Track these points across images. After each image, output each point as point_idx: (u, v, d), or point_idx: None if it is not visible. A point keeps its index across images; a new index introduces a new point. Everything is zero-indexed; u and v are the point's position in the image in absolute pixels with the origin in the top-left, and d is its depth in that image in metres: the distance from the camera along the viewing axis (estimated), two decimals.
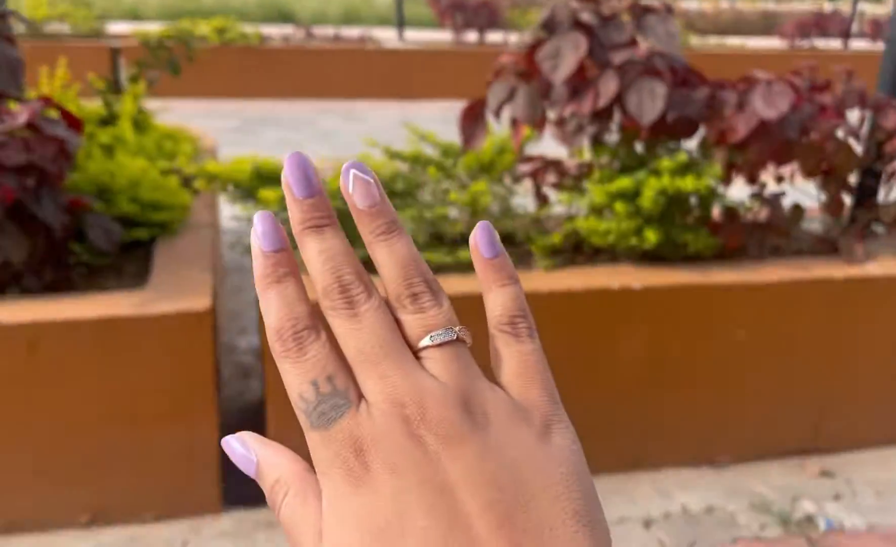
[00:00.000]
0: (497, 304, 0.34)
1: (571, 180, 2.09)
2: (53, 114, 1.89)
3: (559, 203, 2.10)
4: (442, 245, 1.93)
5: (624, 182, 1.82)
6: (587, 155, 2.02)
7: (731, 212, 1.91)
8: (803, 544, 1.73)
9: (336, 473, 0.29)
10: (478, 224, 0.35)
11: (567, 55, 1.81)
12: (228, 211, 3.47)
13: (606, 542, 0.30)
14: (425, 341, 0.32)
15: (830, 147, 1.92)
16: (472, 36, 8.79)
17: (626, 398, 1.92)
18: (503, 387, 0.33)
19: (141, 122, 2.60)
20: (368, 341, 0.31)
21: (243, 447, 0.33)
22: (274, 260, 0.32)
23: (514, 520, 0.28)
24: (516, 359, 0.33)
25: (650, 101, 1.77)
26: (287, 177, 0.33)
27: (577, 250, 2.03)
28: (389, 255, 0.33)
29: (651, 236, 1.81)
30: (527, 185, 2.19)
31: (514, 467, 0.29)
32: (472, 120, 1.93)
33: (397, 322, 0.33)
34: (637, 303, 1.83)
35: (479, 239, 0.35)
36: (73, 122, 1.86)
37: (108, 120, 2.52)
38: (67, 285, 1.80)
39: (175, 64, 2.60)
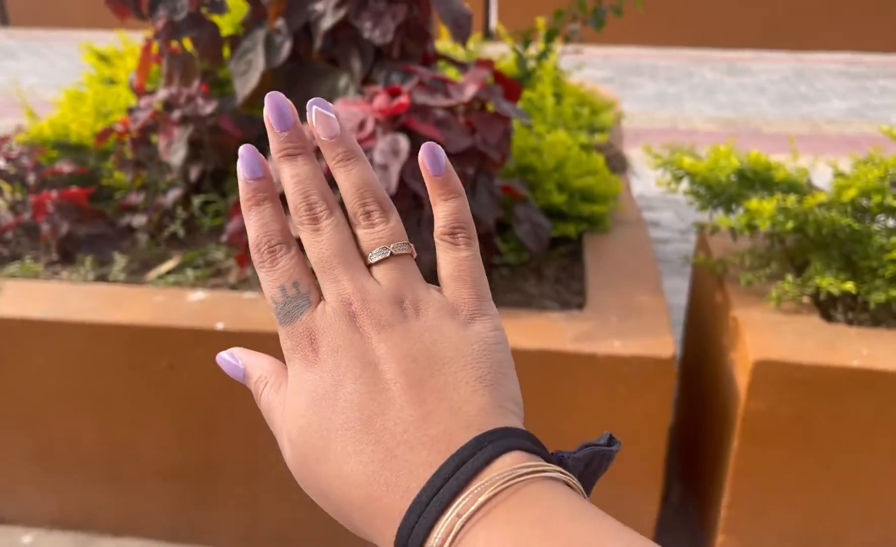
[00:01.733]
0: (440, 215, 0.39)
1: None
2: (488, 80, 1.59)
3: None
4: None
5: None
6: None
7: None
8: None
9: (296, 357, 0.37)
10: (423, 144, 0.39)
11: None
12: (681, 211, 3.09)
13: (510, 404, 0.36)
14: (371, 258, 0.38)
15: None
16: None
17: None
18: (441, 286, 0.38)
19: (556, 84, 2.26)
20: (326, 251, 0.38)
21: (232, 358, 0.40)
22: (255, 186, 0.38)
23: (423, 382, 0.35)
24: (452, 264, 0.39)
25: None
26: (267, 113, 0.39)
27: None
28: (347, 179, 0.39)
29: None
30: None
31: (432, 346, 0.36)
32: None
33: (355, 236, 0.39)
34: None
35: (425, 157, 0.39)
36: (512, 91, 1.54)
37: (521, 80, 2.21)
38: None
39: (600, 16, 2.21)
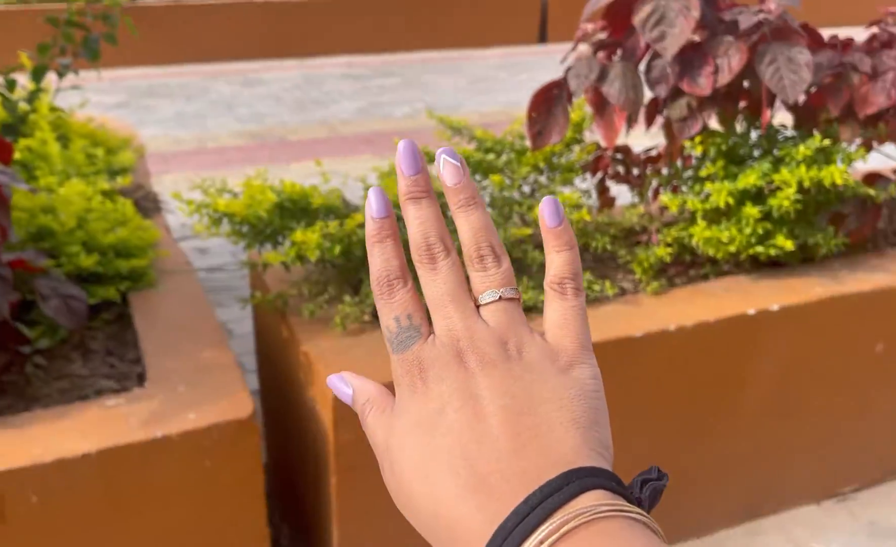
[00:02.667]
0: (553, 265, 0.42)
1: (657, 173, 1.71)
2: None
3: (655, 205, 1.71)
4: (522, 275, 1.50)
5: (751, 178, 1.45)
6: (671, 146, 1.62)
7: (862, 201, 1.58)
8: None
9: (404, 383, 0.39)
10: (544, 197, 0.42)
11: (676, 21, 1.40)
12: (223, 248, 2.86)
13: (600, 447, 0.37)
14: (481, 300, 0.40)
15: None
16: None
17: (748, 439, 1.58)
18: (545, 331, 0.41)
19: (58, 126, 1.98)
20: (440, 289, 0.40)
21: (342, 381, 0.43)
22: (379, 224, 0.41)
23: (519, 419, 0.36)
24: (558, 312, 0.41)
25: (792, 74, 1.39)
26: (399, 157, 0.41)
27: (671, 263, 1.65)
28: (466, 222, 0.41)
29: (786, 243, 1.46)
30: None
31: (531, 386, 0.38)
32: (546, 109, 1.50)
33: (468, 278, 0.41)
34: (772, 326, 1.48)
35: (545, 210, 0.42)
36: (1, 151, 1.28)
37: (13, 127, 1.89)
38: (24, 387, 1.25)
39: (94, 47, 1.98)
